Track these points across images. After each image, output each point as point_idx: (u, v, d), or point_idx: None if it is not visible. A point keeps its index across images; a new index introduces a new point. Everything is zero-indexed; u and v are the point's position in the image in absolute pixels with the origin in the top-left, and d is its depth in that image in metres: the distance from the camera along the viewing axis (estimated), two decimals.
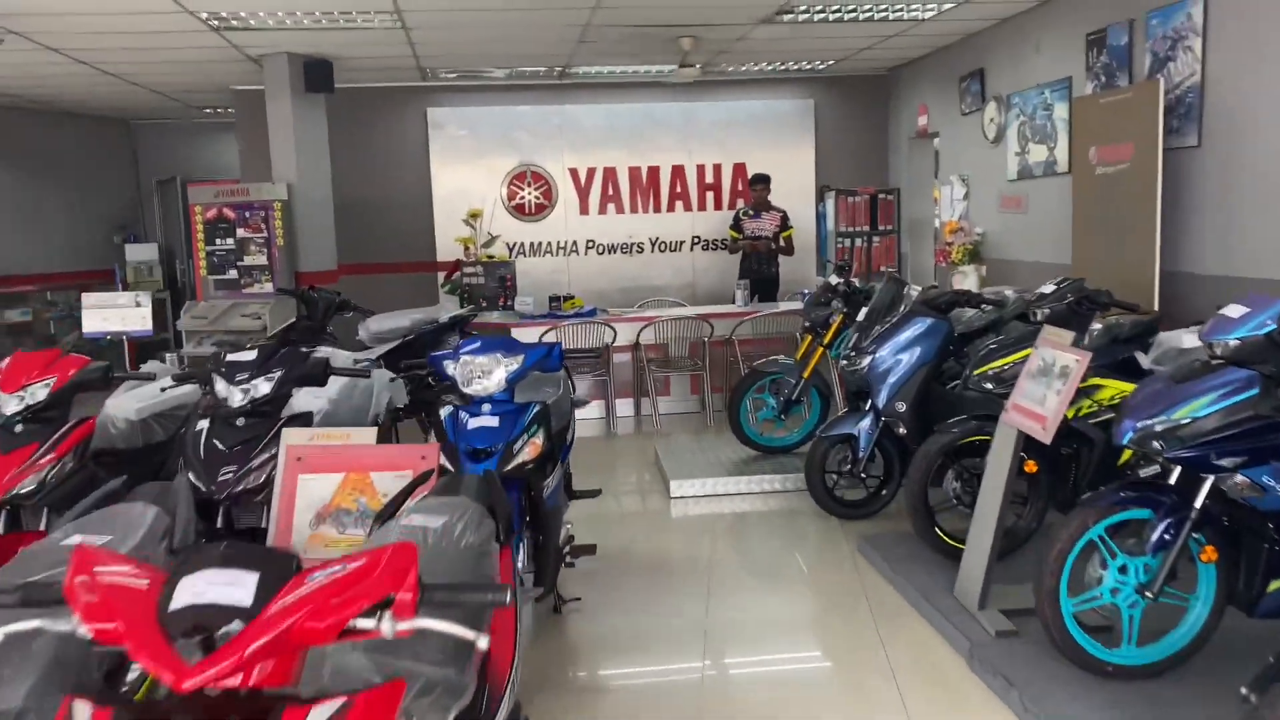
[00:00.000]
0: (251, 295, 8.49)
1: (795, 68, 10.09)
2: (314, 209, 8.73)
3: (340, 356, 4.34)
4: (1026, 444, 3.82)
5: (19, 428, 3.51)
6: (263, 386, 3.52)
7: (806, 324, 6.16)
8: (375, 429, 3.17)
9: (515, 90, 10.38)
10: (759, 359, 7.92)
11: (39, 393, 3.55)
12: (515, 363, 3.58)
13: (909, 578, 4.37)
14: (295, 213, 8.54)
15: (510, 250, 10.33)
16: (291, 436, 2.98)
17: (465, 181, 10.29)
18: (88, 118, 11.57)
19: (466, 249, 9.03)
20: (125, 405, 4.04)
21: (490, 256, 8.99)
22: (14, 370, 3.59)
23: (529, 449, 3.49)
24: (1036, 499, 4.44)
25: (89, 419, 3.68)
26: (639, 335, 8.09)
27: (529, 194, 10.47)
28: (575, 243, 10.62)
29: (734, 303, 8.82)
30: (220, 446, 3.40)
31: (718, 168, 10.75)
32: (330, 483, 2.77)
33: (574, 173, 10.55)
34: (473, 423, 3.49)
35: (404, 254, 10.33)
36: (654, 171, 10.67)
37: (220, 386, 3.49)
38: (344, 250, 9.50)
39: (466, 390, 3.56)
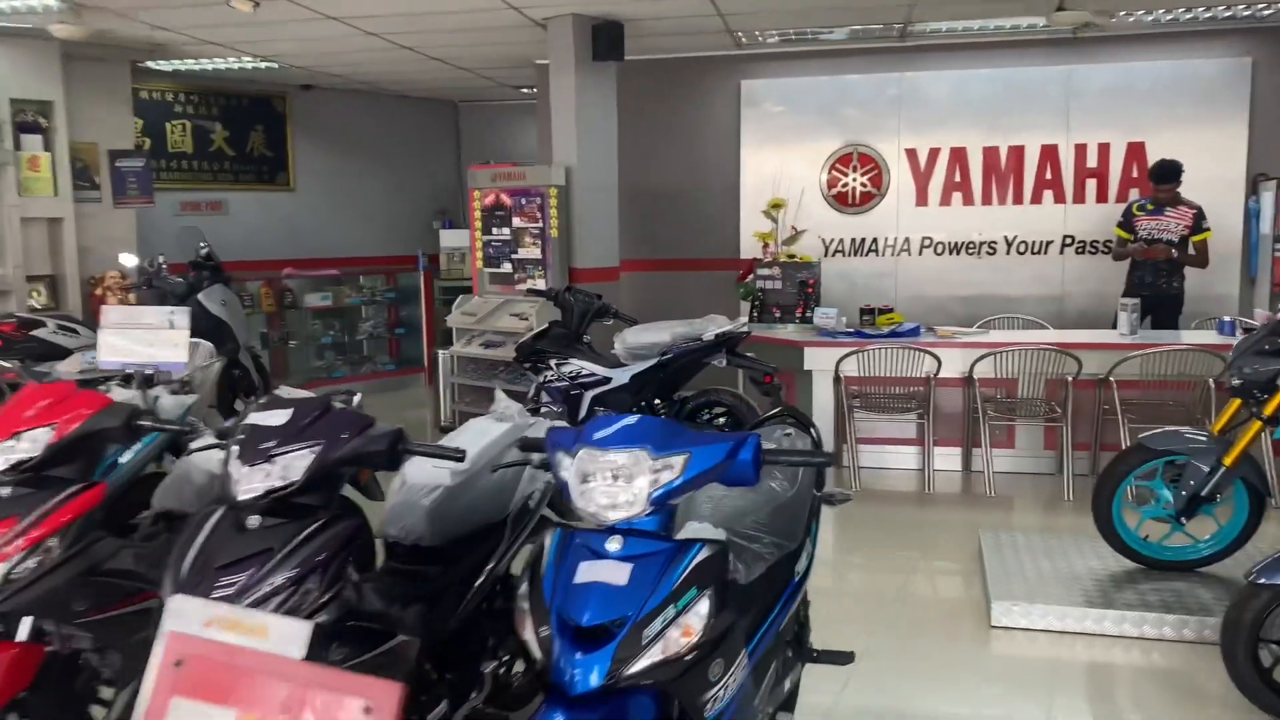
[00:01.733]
0: (520, 294, 7.56)
1: (1225, 15, 7.45)
2: (595, 196, 7.61)
3: (488, 430, 2.93)
4: None
5: (6, 491, 2.52)
6: (293, 467, 2.25)
7: (1235, 381, 3.95)
8: (307, 631, 1.70)
9: (845, 56, 8.63)
10: (1147, 415, 5.69)
11: (34, 443, 2.53)
12: (672, 468, 2.02)
13: None
14: (573, 200, 7.47)
15: (825, 249, 8.64)
16: (177, 615, 1.63)
17: (779, 166, 8.72)
18: (416, 100, 11.42)
19: (765, 246, 7.52)
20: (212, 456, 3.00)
21: (791, 256, 7.39)
22: (10, 412, 2.61)
23: (678, 634, 1.92)
24: None
25: (97, 484, 2.63)
26: (973, 366, 6.12)
27: (854, 180, 8.69)
28: (907, 240, 8.69)
29: (1115, 328, 6.54)
30: (211, 562, 2.17)
31: (1104, 148, 8.30)
32: None
33: (912, 154, 8.61)
34: (585, 571, 1.97)
35: (702, 249, 8.98)
36: (1016, 153, 8.45)
37: (233, 466, 2.26)
38: (631, 244, 8.34)
39: (583, 507, 2.05)
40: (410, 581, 2.57)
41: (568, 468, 2.07)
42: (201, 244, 7.88)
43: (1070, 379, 5.93)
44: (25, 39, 7.34)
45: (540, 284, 7.26)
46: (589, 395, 5.92)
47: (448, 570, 2.64)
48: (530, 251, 7.54)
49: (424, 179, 11.57)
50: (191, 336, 7.79)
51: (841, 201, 8.73)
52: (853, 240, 8.75)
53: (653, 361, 5.71)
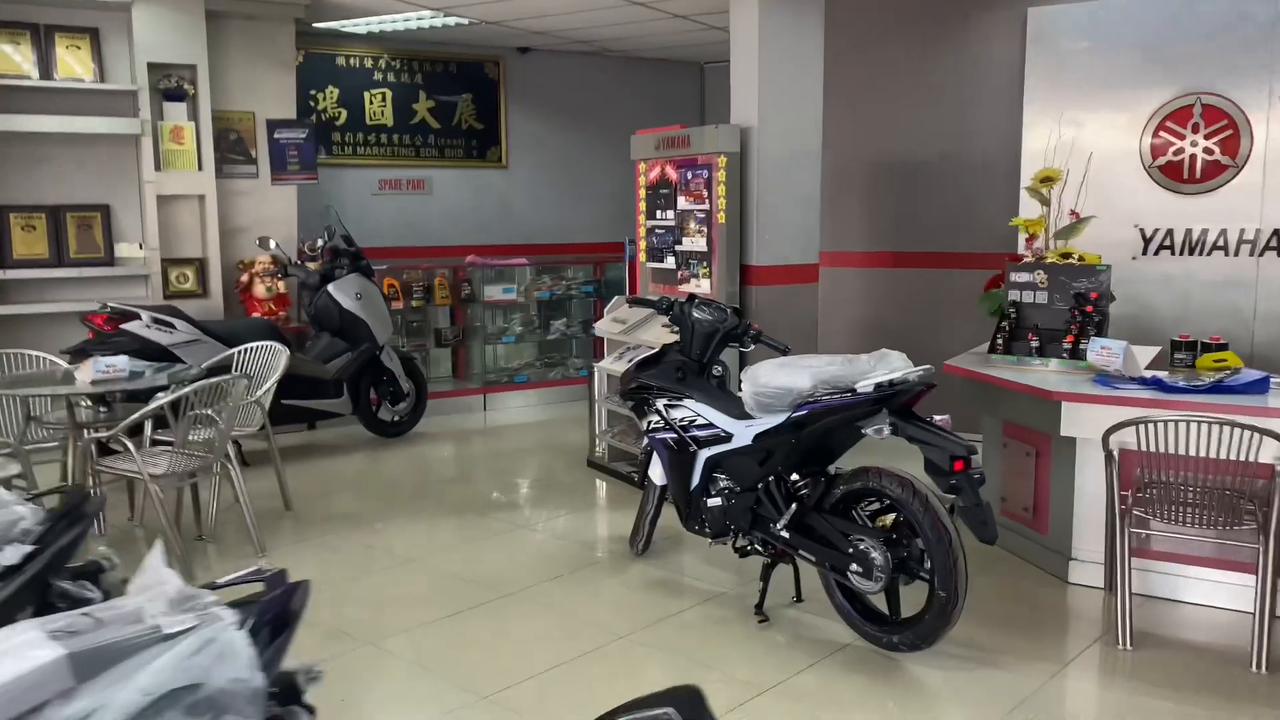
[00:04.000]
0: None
1: None
2: (785, 168, 5.63)
3: None
4: None
5: None
6: None
7: None
8: None
9: None
10: None
11: None
12: None
13: None
14: (751, 174, 5.54)
15: (1144, 243, 6.00)
16: None
17: (1080, 124, 6.16)
18: (653, 62, 9.90)
19: (1029, 239, 5.13)
20: None
21: (1067, 255, 4.94)
22: None
23: None
24: None
25: None
26: None
27: (1194, 145, 5.93)
28: (1276, 234, 5.81)
29: None
30: None
31: None
32: None
33: None
34: None
35: (951, 242, 6.64)
36: None
37: None
38: (844, 234, 6.24)
39: None
40: None
41: None
42: (328, 227, 6.87)
43: None
44: None
45: (695, 286, 5.43)
46: (703, 456, 4.05)
47: None
48: (695, 242, 5.71)
49: None
50: (322, 330, 6.88)
51: (1172, 175, 6.00)
52: (1185, 233, 5.99)
53: (782, 417, 3.73)
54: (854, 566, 3.51)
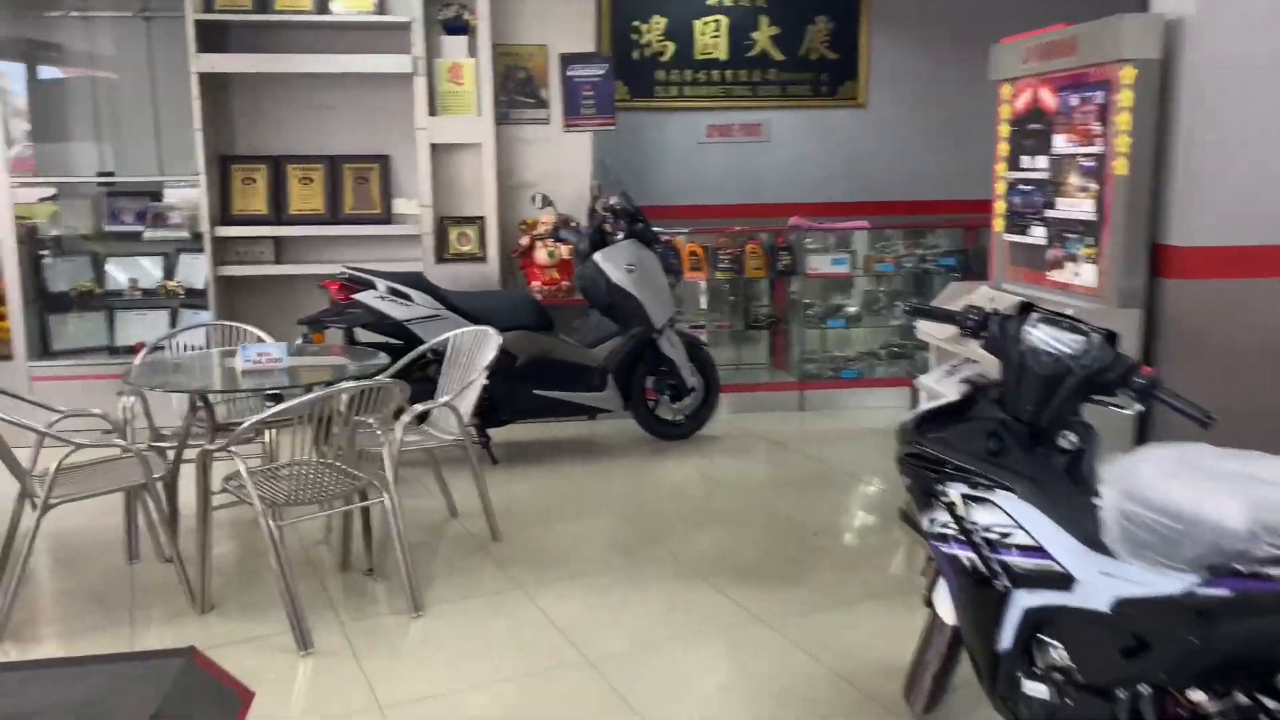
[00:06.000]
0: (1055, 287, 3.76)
1: None
2: (1245, 85, 3.38)
3: None
4: None
5: None
6: None
7: None
8: None
9: None
10: None
11: None
12: None
13: None
14: (1179, 93, 3.39)
15: None
16: None
17: None
18: None
19: None
20: None
21: None
22: None
23: None
24: None
25: None
26: None
27: None
28: None
29: None
30: None
31: None
32: None
33: None
34: None
35: None
36: None
37: None
38: None
39: None
40: None
41: None
42: (596, 184, 5.63)
43: None
44: None
45: (1072, 276, 3.42)
46: (1021, 603, 2.27)
47: None
48: (1076, 205, 3.67)
49: None
50: (593, 307, 5.68)
51: None
52: None
53: (1176, 582, 1.82)
54: None
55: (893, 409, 6.37)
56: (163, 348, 4.59)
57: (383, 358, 4.11)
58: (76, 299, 5.89)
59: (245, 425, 3.32)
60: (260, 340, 4.49)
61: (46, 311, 5.87)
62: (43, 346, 5.86)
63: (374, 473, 3.52)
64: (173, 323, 6.06)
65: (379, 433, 3.56)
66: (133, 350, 5.56)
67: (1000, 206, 4.20)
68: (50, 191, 5.93)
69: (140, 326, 6.01)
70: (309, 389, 3.53)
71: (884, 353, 6.86)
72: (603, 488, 4.96)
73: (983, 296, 4.11)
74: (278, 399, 3.92)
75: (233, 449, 3.29)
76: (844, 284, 6.73)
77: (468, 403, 4.14)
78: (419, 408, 4.01)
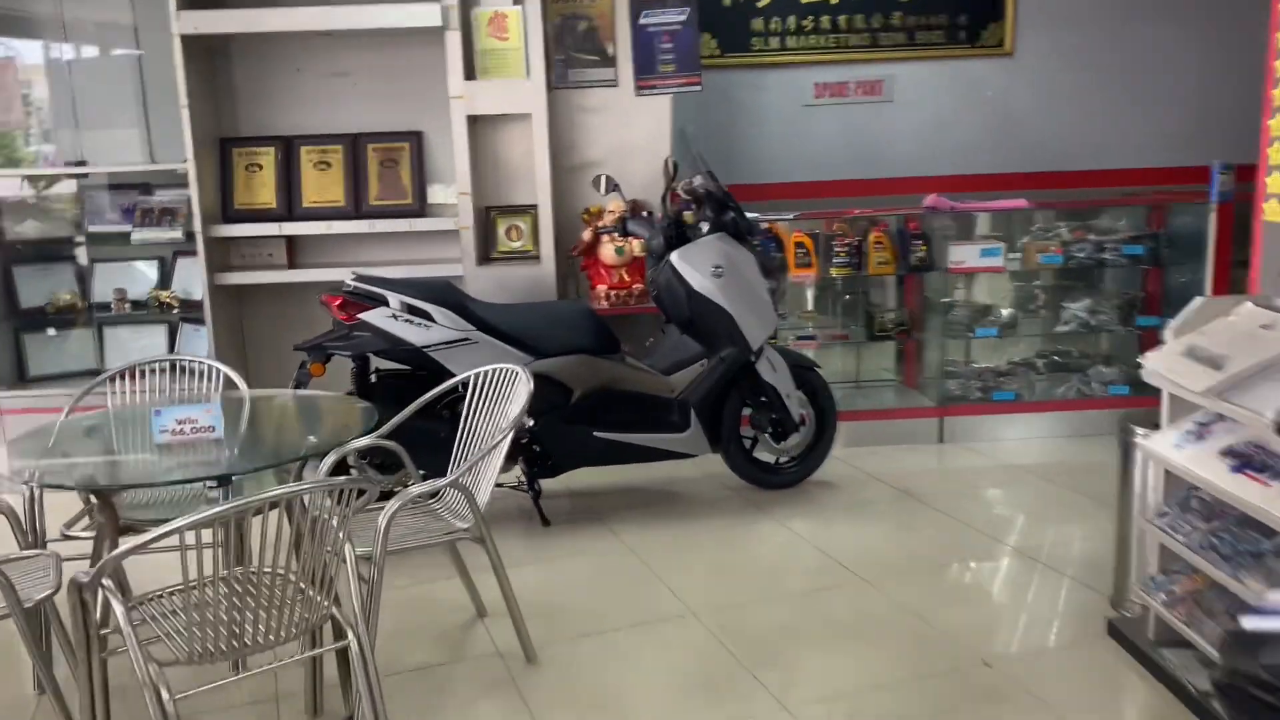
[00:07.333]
0: None
1: None
2: None
3: None
4: None
5: None
6: None
7: None
8: None
9: None
10: None
11: None
12: None
13: None
14: None
15: None
16: None
17: None
18: None
19: None
20: None
21: None
22: None
23: None
24: None
25: None
26: None
27: None
28: None
29: None
30: None
31: None
32: None
33: None
34: None
35: None
36: None
37: None
38: None
39: None
40: None
41: None
42: (673, 161, 4.37)
43: None
44: None
45: None
46: None
47: None
48: None
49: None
50: (670, 321, 4.39)
51: None
52: None
53: None
54: None
55: (1057, 441, 4.97)
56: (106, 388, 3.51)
57: (372, 413, 2.94)
58: (55, 314, 4.94)
59: (117, 552, 2.15)
60: (229, 378, 3.39)
61: (20, 330, 4.94)
62: (17, 372, 4.93)
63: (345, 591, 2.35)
64: (172, 340, 5.10)
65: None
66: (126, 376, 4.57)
67: (1275, 182, 2.78)
68: (17, 185, 4.97)
69: (134, 346, 5.04)
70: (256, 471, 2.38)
71: (1041, 363, 5.43)
72: (681, 568, 3.72)
73: (1247, 319, 2.71)
74: (226, 482, 2.78)
75: (104, 581, 2.16)
76: (994, 280, 5.31)
77: (487, 479, 2.95)
78: (415, 490, 2.83)
